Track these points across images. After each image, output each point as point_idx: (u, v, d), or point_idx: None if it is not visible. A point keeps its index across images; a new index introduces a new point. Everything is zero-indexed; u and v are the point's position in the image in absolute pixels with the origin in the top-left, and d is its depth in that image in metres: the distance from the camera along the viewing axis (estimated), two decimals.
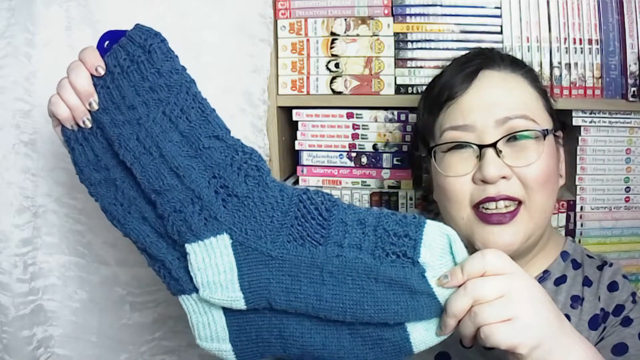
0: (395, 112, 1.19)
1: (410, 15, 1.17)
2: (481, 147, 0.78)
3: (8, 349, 1.07)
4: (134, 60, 0.67)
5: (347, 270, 0.64)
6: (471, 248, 0.78)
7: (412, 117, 1.19)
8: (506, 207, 0.78)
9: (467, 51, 0.94)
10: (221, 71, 1.12)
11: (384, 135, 1.21)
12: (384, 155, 1.21)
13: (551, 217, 0.84)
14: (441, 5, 1.15)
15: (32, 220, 1.07)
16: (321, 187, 1.26)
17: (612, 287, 0.83)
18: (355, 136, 1.22)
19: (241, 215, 0.68)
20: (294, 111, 1.24)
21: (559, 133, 0.87)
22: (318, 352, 0.68)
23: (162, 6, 1.07)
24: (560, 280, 0.85)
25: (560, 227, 1.17)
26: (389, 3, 1.17)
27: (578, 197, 1.17)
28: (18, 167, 1.04)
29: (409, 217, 0.64)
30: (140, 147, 0.67)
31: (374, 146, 1.22)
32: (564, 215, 1.17)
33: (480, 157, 0.78)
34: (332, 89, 1.21)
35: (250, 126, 1.16)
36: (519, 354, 0.59)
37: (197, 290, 0.69)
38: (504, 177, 0.77)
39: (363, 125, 1.21)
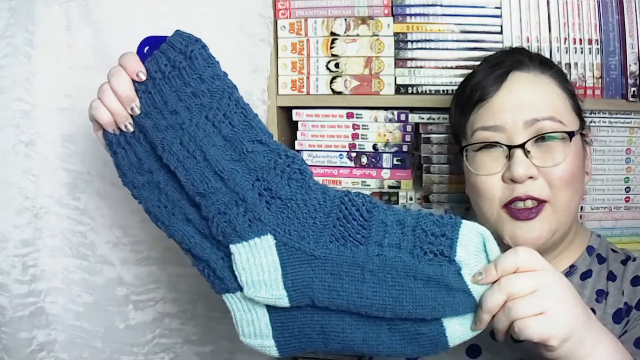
0: (395, 112, 1.19)
1: (410, 15, 1.17)
2: (510, 147, 0.81)
3: (7, 349, 1.07)
4: (175, 66, 0.69)
5: (387, 269, 0.67)
6: (499, 242, 0.80)
7: (412, 117, 1.19)
8: (532, 204, 0.81)
9: (497, 51, 0.99)
10: None
11: (384, 135, 1.21)
12: (384, 155, 1.21)
13: (577, 213, 0.88)
14: (441, 5, 1.15)
15: (33, 222, 1.06)
16: None
17: (636, 281, 0.85)
18: (355, 136, 1.22)
19: (285, 216, 0.70)
20: (294, 111, 1.24)
21: (586, 131, 0.89)
22: (358, 347, 0.70)
23: (162, 6, 1.07)
24: (586, 274, 0.88)
25: None
26: (389, 3, 1.17)
27: None
28: (18, 167, 1.03)
29: (445, 217, 0.67)
30: (184, 151, 0.69)
31: (374, 146, 1.22)
32: None
33: (509, 157, 0.82)
34: (332, 89, 1.21)
35: None
36: (550, 346, 0.62)
37: (241, 289, 0.72)
38: (531, 177, 0.80)
39: (363, 125, 1.21)
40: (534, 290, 0.62)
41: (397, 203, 1.21)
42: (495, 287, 0.63)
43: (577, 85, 1.13)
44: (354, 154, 1.23)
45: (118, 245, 1.12)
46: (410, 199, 1.21)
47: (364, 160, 1.23)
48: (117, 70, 0.71)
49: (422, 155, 1.20)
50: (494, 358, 0.84)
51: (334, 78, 1.21)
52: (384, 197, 1.22)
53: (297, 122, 1.24)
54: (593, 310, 0.80)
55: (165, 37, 0.71)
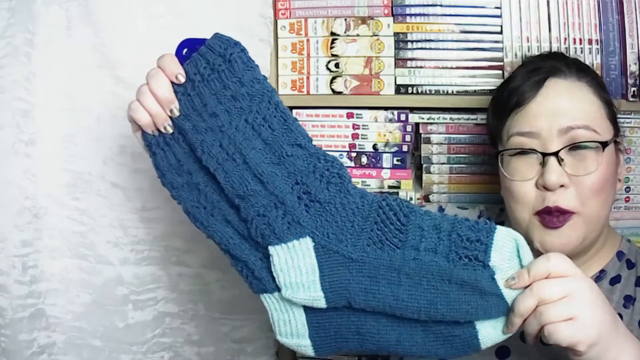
0: (395, 112, 1.19)
1: (410, 15, 1.17)
2: (544, 155, 0.82)
3: (6, 352, 1.07)
4: (214, 69, 0.70)
5: (422, 273, 0.68)
6: (529, 246, 0.81)
7: (412, 117, 1.19)
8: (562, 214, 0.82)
9: (535, 55, 1.00)
10: None
11: (384, 135, 1.21)
12: (384, 155, 1.21)
13: (607, 220, 0.89)
14: (441, 5, 1.15)
15: (33, 222, 1.06)
16: None
17: None
18: (355, 136, 1.22)
19: (323, 219, 0.71)
20: (294, 111, 1.24)
21: (620, 139, 0.90)
22: (392, 347, 0.72)
23: (162, 6, 1.07)
24: (615, 280, 0.88)
25: None
26: (389, 3, 1.17)
27: None
28: (18, 166, 1.04)
29: (480, 223, 0.68)
30: (224, 154, 0.70)
31: (374, 146, 1.22)
32: None
33: (543, 164, 0.82)
34: (332, 89, 1.21)
35: None
36: (578, 351, 0.63)
37: (279, 290, 0.73)
38: (562, 186, 0.81)
39: (363, 125, 1.21)
40: (565, 296, 0.63)
41: None
42: (527, 292, 0.64)
43: None
44: (354, 154, 1.23)
45: (118, 245, 1.12)
46: (410, 198, 1.21)
47: (364, 160, 1.23)
48: (156, 72, 0.72)
49: (422, 155, 1.20)
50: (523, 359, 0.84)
51: (334, 78, 1.21)
52: None
53: None
54: (620, 316, 0.81)
55: (204, 39, 0.71)
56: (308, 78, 1.22)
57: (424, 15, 1.16)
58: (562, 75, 0.86)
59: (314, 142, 1.15)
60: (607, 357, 0.65)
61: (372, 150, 1.22)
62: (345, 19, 1.18)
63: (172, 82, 0.71)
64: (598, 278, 0.88)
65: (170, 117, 0.72)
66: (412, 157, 1.22)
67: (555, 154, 0.81)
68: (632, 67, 1.11)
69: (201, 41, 0.71)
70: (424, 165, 1.21)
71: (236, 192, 0.71)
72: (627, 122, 1.14)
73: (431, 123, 1.19)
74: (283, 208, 0.71)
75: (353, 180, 1.21)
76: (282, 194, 0.70)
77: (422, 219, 0.69)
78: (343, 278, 0.71)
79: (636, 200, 1.17)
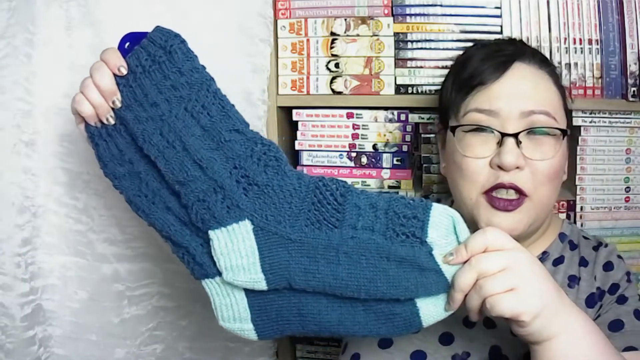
0: (395, 112, 1.19)
1: (410, 15, 1.17)
2: (504, 135, 0.81)
3: (11, 353, 1.07)
4: (155, 61, 0.72)
5: (361, 251, 0.69)
6: (474, 227, 0.82)
7: (412, 117, 1.19)
8: (513, 195, 0.82)
9: (494, 39, 1.00)
10: (221, 71, 1.12)
11: (384, 135, 1.21)
12: (384, 155, 1.21)
13: (552, 207, 0.90)
14: (441, 5, 1.15)
15: (32, 220, 1.07)
16: None
17: (608, 266, 0.87)
18: (355, 136, 1.22)
19: (262, 202, 0.72)
20: (294, 111, 1.24)
21: (568, 131, 0.90)
22: (334, 328, 0.73)
23: (161, 6, 1.07)
24: (558, 260, 0.89)
25: None
26: (389, 3, 1.17)
27: (578, 197, 1.17)
28: (19, 167, 1.04)
29: (416, 200, 0.69)
30: (164, 142, 0.72)
31: (374, 146, 1.22)
32: (564, 215, 1.17)
33: (500, 143, 0.82)
34: (332, 89, 1.21)
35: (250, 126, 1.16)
36: (522, 322, 0.63)
37: (220, 274, 0.74)
38: (518, 167, 0.81)
39: (363, 125, 1.21)
40: (504, 268, 0.64)
41: None
42: (466, 267, 0.65)
43: (577, 85, 1.13)
44: (354, 154, 1.23)
45: (115, 243, 1.13)
46: None
47: (364, 160, 1.23)
48: (100, 65, 0.73)
49: (422, 155, 1.20)
50: (467, 345, 0.85)
51: (334, 78, 1.21)
52: None
53: (297, 122, 1.24)
54: None
55: (146, 33, 0.73)
56: (308, 78, 1.22)
57: (424, 15, 1.16)
58: (527, 61, 0.86)
59: (314, 142, 1.17)
60: (553, 328, 0.65)
61: (372, 150, 1.22)
62: (345, 19, 1.18)
63: (115, 75, 0.73)
64: (541, 259, 0.89)
65: (113, 109, 0.74)
66: (412, 157, 1.22)
67: (515, 135, 0.81)
68: (632, 67, 1.11)
69: (143, 34, 0.73)
70: (424, 165, 1.21)
71: (176, 178, 0.72)
72: (627, 122, 1.14)
73: (431, 123, 1.19)
74: (222, 192, 0.72)
75: (353, 180, 1.23)
76: (221, 179, 0.71)
77: (358, 198, 0.70)
78: (282, 259, 0.71)
79: (636, 200, 1.17)
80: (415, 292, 0.67)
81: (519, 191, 0.81)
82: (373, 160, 1.22)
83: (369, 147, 1.22)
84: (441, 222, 0.67)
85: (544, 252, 0.90)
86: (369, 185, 1.23)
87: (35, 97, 1.04)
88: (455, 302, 0.66)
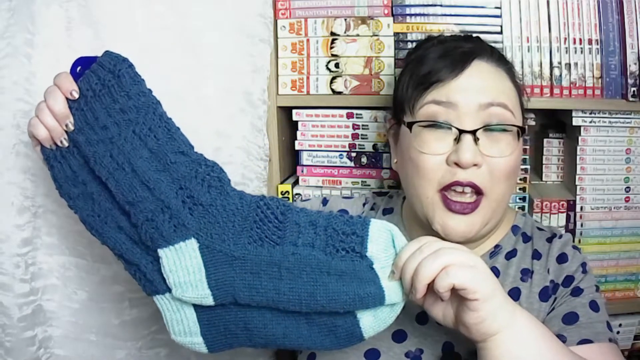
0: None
1: (410, 15, 1.17)
2: (461, 131, 0.80)
3: (10, 352, 1.07)
4: (105, 85, 0.75)
5: (302, 266, 0.71)
6: (427, 227, 0.84)
7: None
8: (470, 196, 0.82)
9: (449, 34, 0.99)
10: (221, 71, 1.12)
11: (384, 135, 1.21)
12: (384, 155, 1.21)
13: (507, 205, 0.90)
14: (441, 5, 1.15)
15: (32, 220, 1.07)
16: (321, 187, 1.26)
17: (561, 258, 0.87)
18: (355, 136, 1.22)
19: (206, 221, 0.75)
20: (294, 111, 1.24)
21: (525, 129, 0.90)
22: (280, 341, 0.75)
23: (161, 6, 1.07)
24: (511, 254, 0.89)
25: (560, 227, 1.17)
26: (389, 3, 1.17)
27: (578, 197, 1.17)
28: (18, 167, 1.03)
29: (355, 217, 0.72)
30: (114, 164, 0.74)
31: (374, 146, 1.22)
32: (564, 215, 1.17)
33: (457, 140, 0.81)
34: (332, 89, 1.21)
35: (250, 126, 1.16)
36: (475, 302, 0.65)
37: (170, 290, 0.76)
38: (475, 165, 0.80)
39: (363, 125, 1.22)
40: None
41: None
42: (430, 257, 0.66)
43: (577, 85, 1.13)
44: (354, 154, 1.23)
45: None
46: None
47: (364, 160, 1.23)
48: (53, 90, 0.76)
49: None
50: (420, 342, 0.85)
51: (334, 78, 1.21)
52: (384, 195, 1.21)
53: (297, 122, 1.24)
54: (518, 290, 0.85)
55: (96, 57, 0.76)
56: (308, 78, 1.22)
57: (424, 15, 1.16)
58: (485, 58, 0.86)
59: (314, 142, 1.17)
60: (499, 319, 0.66)
61: (372, 150, 1.22)
62: (345, 19, 1.18)
63: (68, 99, 0.75)
64: (493, 253, 0.89)
65: (66, 132, 0.76)
66: None
67: (473, 132, 0.80)
68: (632, 67, 1.11)
69: (94, 59, 0.76)
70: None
71: (126, 199, 0.74)
72: (627, 122, 1.14)
73: None
74: (169, 212, 0.74)
75: (353, 180, 1.23)
76: (168, 199, 0.74)
77: (298, 216, 0.73)
78: (227, 275, 0.74)
79: (636, 200, 1.17)
80: (353, 304, 0.70)
81: (475, 189, 0.81)
82: (373, 160, 1.22)
83: (369, 147, 1.22)
84: (380, 236, 0.70)
85: (497, 246, 0.90)
86: (369, 185, 1.23)
87: (35, 97, 1.03)
88: (419, 292, 0.67)
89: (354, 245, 0.70)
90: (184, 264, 0.75)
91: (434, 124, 0.83)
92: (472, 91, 0.82)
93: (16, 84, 1.01)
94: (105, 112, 0.75)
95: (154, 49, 1.04)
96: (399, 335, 0.86)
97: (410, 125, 0.85)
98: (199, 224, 0.75)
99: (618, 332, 1.23)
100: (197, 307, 0.77)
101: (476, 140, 0.80)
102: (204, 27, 1.11)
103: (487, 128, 0.81)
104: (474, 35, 0.94)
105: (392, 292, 0.69)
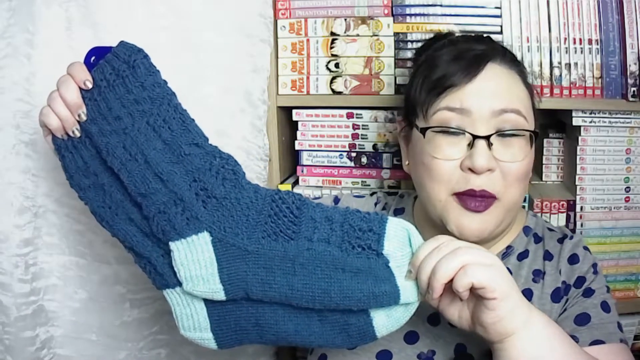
0: (395, 112, 1.19)
1: (410, 15, 1.17)
2: (475, 137, 0.80)
3: (10, 349, 1.07)
4: (119, 75, 0.73)
5: (316, 262, 0.70)
6: (442, 227, 0.84)
7: None
8: (482, 197, 0.82)
9: (462, 34, 0.97)
10: (221, 71, 1.12)
11: (384, 135, 1.21)
12: (384, 155, 1.22)
13: (520, 207, 0.90)
14: (441, 5, 1.15)
15: (33, 221, 1.06)
16: (321, 187, 1.26)
17: (573, 259, 0.87)
18: (355, 136, 1.22)
19: (220, 214, 0.74)
20: (294, 111, 1.24)
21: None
22: (291, 338, 0.74)
23: (162, 7, 1.07)
24: (523, 255, 0.90)
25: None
26: (389, 3, 1.17)
27: (578, 197, 1.17)
28: (18, 167, 1.03)
29: (372, 214, 0.71)
30: (127, 155, 0.73)
31: (374, 146, 1.22)
32: (564, 215, 1.17)
33: (471, 145, 0.81)
34: (332, 89, 1.21)
35: (250, 126, 1.16)
36: (493, 300, 0.64)
37: (180, 284, 0.75)
38: (489, 170, 0.80)
39: (363, 125, 1.22)
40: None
41: None
42: (449, 255, 0.65)
43: (577, 85, 1.13)
44: (354, 154, 1.23)
45: (115, 245, 1.12)
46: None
47: (364, 160, 1.23)
48: (66, 79, 0.75)
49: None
50: (432, 343, 0.85)
51: (334, 78, 1.21)
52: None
53: (297, 122, 1.24)
54: (530, 291, 0.84)
55: (111, 47, 0.75)
56: (308, 78, 1.22)
57: (424, 15, 1.16)
58: (499, 60, 0.85)
59: (314, 142, 1.17)
60: (516, 319, 0.66)
61: (372, 150, 1.22)
62: (345, 19, 1.18)
63: (81, 88, 0.74)
64: (505, 254, 0.89)
65: (79, 122, 0.75)
66: None
67: (487, 137, 0.80)
68: (632, 67, 1.11)
69: (108, 49, 0.75)
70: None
71: (138, 190, 0.73)
72: (627, 122, 1.14)
73: None
74: (182, 205, 0.73)
75: (353, 180, 1.23)
76: (181, 191, 0.73)
77: (314, 211, 0.72)
78: (240, 270, 0.73)
79: (636, 200, 1.17)
80: (367, 303, 0.69)
81: (488, 195, 0.81)
82: (373, 160, 1.22)
83: (369, 147, 1.22)
84: (397, 234, 0.69)
85: (509, 247, 0.90)
86: (369, 185, 1.23)
87: (35, 98, 1.03)
88: (436, 291, 0.66)
89: (371, 243, 0.69)
90: (195, 258, 0.74)
91: (447, 130, 0.82)
92: (486, 97, 0.82)
93: (16, 84, 1.01)
94: (119, 102, 0.73)
95: (154, 49, 1.03)
96: (411, 337, 0.85)
97: (423, 130, 0.85)
98: (212, 217, 0.74)
99: None
100: (208, 302, 0.76)
101: (490, 145, 0.80)
102: (204, 27, 1.11)
103: (500, 133, 0.81)
104: (485, 35, 0.93)
105: (407, 291, 0.69)
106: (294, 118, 1.24)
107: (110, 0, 1.05)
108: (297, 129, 1.25)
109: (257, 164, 1.18)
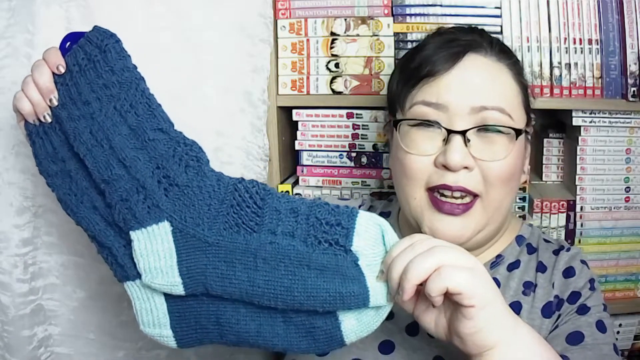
0: None
1: (410, 15, 1.17)
2: (450, 131, 0.76)
3: (9, 347, 1.07)
4: (90, 60, 0.72)
5: (279, 257, 0.66)
6: (417, 231, 0.78)
7: None
8: (461, 197, 0.77)
9: (453, 26, 0.91)
10: (221, 71, 1.12)
11: (384, 135, 1.20)
12: (384, 155, 1.21)
13: (509, 212, 0.84)
14: (441, 5, 1.15)
15: (32, 220, 1.07)
16: (321, 187, 1.26)
17: (568, 272, 0.81)
18: (355, 136, 1.22)
19: (181, 203, 0.71)
20: (294, 111, 1.24)
21: (530, 129, 0.85)
22: (253, 339, 0.69)
23: (161, 6, 1.07)
24: (514, 265, 0.84)
25: (560, 227, 1.17)
26: (389, 3, 1.17)
27: (578, 197, 1.17)
28: (18, 167, 1.03)
29: (341, 207, 0.65)
30: (93, 140, 0.72)
31: (374, 146, 1.22)
32: (564, 215, 1.17)
33: (446, 141, 0.76)
34: (332, 89, 1.21)
35: (250, 126, 1.16)
36: (471, 308, 0.58)
37: (140, 277, 0.72)
38: (466, 167, 0.75)
39: (363, 125, 1.21)
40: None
41: None
42: (426, 253, 0.60)
43: (577, 85, 1.13)
44: (354, 154, 1.23)
45: None
46: None
47: (364, 160, 1.23)
48: (40, 64, 0.74)
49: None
50: (408, 354, 0.79)
51: (334, 78, 1.21)
52: (384, 197, 1.21)
53: (297, 122, 1.24)
54: (519, 304, 0.78)
55: (85, 32, 0.74)
56: (308, 78, 1.22)
57: (424, 15, 1.16)
58: (483, 52, 0.79)
59: (314, 142, 1.16)
60: (496, 332, 0.60)
61: (372, 150, 1.22)
62: (345, 19, 1.18)
63: (54, 73, 0.73)
64: (494, 263, 0.83)
65: (50, 107, 0.74)
66: None
67: (463, 133, 0.75)
68: (632, 67, 1.11)
69: (83, 34, 0.74)
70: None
71: (102, 176, 0.72)
72: (627, 122, 1.14)
73: None
74: (144, 192, 0.71)
75: (353, 180, 1.23)
76: (143, 178, 0.71)
77: (279, 202, 0.67)
78: (200, 263, 0.69)
79: (636, 200, 1.17)
80: (334, 303, 0.64)
81: (467, 192, 0.75)
82: (373, 160, 1.22)
83: (369, 147, 1.22)
84: (368, 230, 0.64)
85: (498, 256, 0.84)
86: (369, 185, 1.23)
87: None
88: (407, 293, 0.60)
89: (338, 238, 0.64)
90: (155, 248, 0.70)
91: (422, 123, 0.78)
92: (464, 91, 0.76)
93: (16, 84, 1.01)
94: (88, 87, 0.72)
95: (154, 49, 1.04)
96: (386, 346, 0.80)
97: (396, 123, 0.80)
98: (174, 206, 0.70)
99: (618, 332, 1.23)
100: (169, 298, 0.72)
101: (467, 141, 0.75)
102: (204, 27, 1.10)
103: (482, 128, 0.76)
104: (479, 27, 0.87)
105: (378, 293, 0.63)
106: (294, 118, 1.24)
107: (110, 0, 1.05)
108: (297, 129, 1.24)
109: (257, 164, 1.18)
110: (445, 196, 0.77)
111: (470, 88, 0.77)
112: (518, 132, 0.78)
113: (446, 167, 0.75)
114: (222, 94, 1.13)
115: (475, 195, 0.76)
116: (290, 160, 1.31)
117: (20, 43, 1.01)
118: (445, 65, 0.78)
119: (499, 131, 0.77)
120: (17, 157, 1.03)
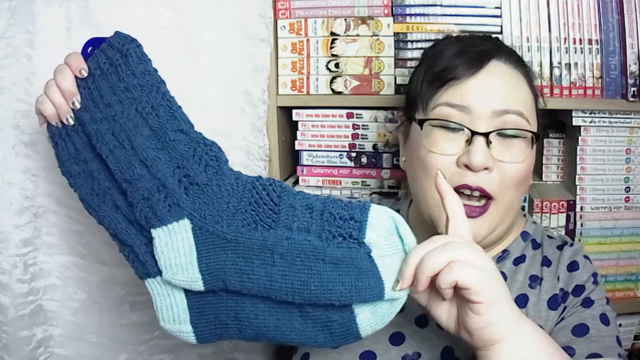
0: (395, 112, 1.19)
1: (410, 15, 1.17)
2: (474, 133, 0.79)
3: (7, 348, 1.07)
4: (112, 64, 0.75)
5: (295, 252, 0.68)
6: (433, 229, 0.81)
7: None
8: (477, 200, 0.80)
9: (469, 33, 0.96)
10: (221, 71, 1.12)
11: (384, 135, 1.21)
12: (384, 155, 1.22)
13: (517, 212, 0.88)
14: (441, 5, 1.15)
15: (33, 221, 1.06)
16: (321, 187, 1.26)
17: (572, 266, 0.84)
18: (355, 136, 1.22)
19: (201, 201, 0.73)
20: (294, 111, 1.24)
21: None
22: (271, 334, 0.72)
23: (161, 7, 1.07)
24: (519, 260, 0.87)
25: (560, 227, 1.17)
26: (389, 3, 1.17)
27: (578, 197, 1.17)
28: (18, 167, 1.03)
29: (353, 202, 0.68)
30: (115, 141, 0.74)
31: (374, 146, 1.22)
32: (564, 215, 1.17)
33: (469, 142, 0.79)
34: (332, 89, 1.21)
35: (250, 126, 1.16)
36: (479, 304, 0.61)
37: (161, 274, 0.75)
38: (486, 169, 0.78)
39: (363, 125, 1.22)
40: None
41: None
42: (440, 249, 0.63)
43: (577, 85, 1.13)
44: (354, 154, 1.23)
45: (114, 247, 1.12)
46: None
47: (364, 160, 1.23)
48: (63, 68, 0.77)
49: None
50: (418, 345, 0.83)
51: (334, 78, 1.21)
52: (384, 198, 1.21)
53: (297, 122, 1.24)
54: (526, 297, 0.82)
55: (107, 38, 0.77)
56: (308, 78, 1.22)
57: (424, 15, 1.16)
58: (503, 59, 0.84)
59: (314, 142, 1.17)
60: (504, 327, 0.63)
61: (372, 150, 1.22)
62: (345, 19, 1.18)
63: (77, 77, 0.76)
64: (501, 258, 0.87)
65: (73, 110, 0.76)
66: None
67: (486, 134, 0.78)
68: (632, 67, 1.11)
69: (104, 39, 0.77)
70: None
71: (124, 176, 0.74)
72: (627, 122, 1.14)
73: None
74: (165, 191, 0.73)
75: (353, 180, 1.23)
76: (164, 177, 0.73)
77: (294, 198, 0.70)
78: (219, 259, 0.72)
79: (636, 200, 1.17)
80: (349, 296, 0.66)
81: (484, 194, 0.79)
82: (373, 160, 1.22)
83: (369, 147, 1.22)
84: (380, 223, 0.66)
85: (505, 251, 0.88)
86: (369, 185, 1.23)
87: (35, 98, 1.04)
88: (421, 285, 0.63)
89: (351, 231, 0.66)
90: (175, 245, 0.73)
91: (445, 125, 0.81)
92: (488, 95, 0.80)
93: (16, 84, 1.01)
94: (110, 90, 0.75)
95: (154, 49, 1.03)
96: (396, 338, 0.84)
97: (421, 122, 0.83)
98: (194, 204, 0.73)
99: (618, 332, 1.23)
100: (189, 294, 0.75)
101: (488, 143, 0.78)
102: (204, 27, 1.10)
103: (501, 133, 0.80)
104: (490, 36, 0.92)
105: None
106: (294, 118, 1.24)
107: (110, 0, 1.05)
108: (297, 129, 1.25)
109: (257, 164, 1.18)
110: (463, 197, 0.79)
111: (493, 92, 0.81)
112: (536, 136, 0.82)
113: (468, 167, 0.78)
114: (222, 94, 1.13)
115: (489, 198, 0.80)
116: (290, 160, 1.31)
117: (20, 43, 1.01)
118: (470, 70, 0.81)
119: (517, 135, 0.80)
120: (17, 157, 1.03)
